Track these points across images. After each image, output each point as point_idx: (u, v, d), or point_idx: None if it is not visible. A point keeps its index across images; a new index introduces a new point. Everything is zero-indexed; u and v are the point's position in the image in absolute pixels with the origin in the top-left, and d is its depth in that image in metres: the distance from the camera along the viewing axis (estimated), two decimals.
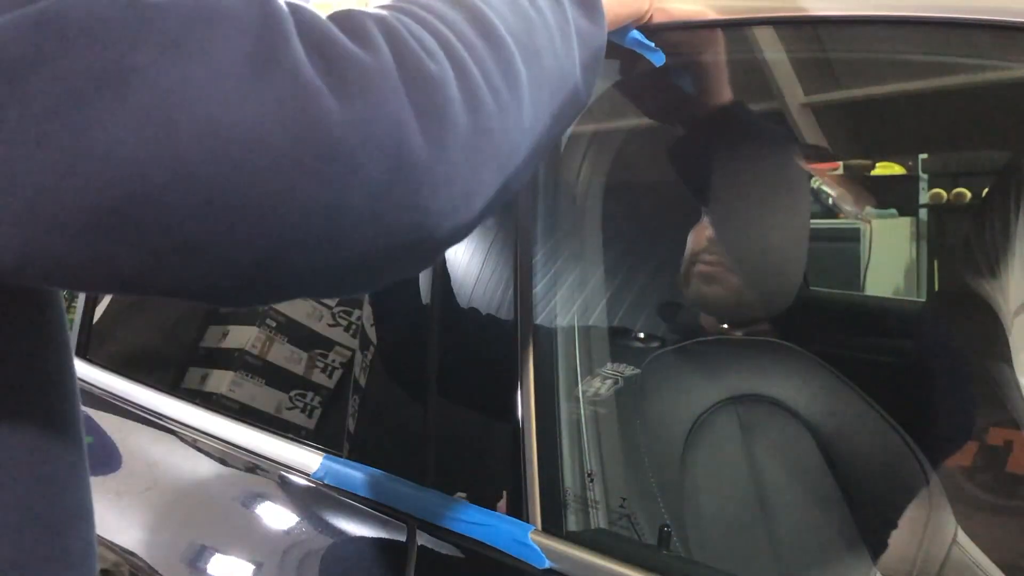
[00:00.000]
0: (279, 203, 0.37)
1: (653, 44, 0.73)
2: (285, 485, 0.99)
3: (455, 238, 0.46)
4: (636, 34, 0.73)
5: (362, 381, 0.98)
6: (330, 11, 0.65)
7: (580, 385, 0.90)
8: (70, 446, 0.48)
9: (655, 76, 0.81)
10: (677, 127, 0.96)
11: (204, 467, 1.10)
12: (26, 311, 0.46)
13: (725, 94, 0.83)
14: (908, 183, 2.29)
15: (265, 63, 0.37)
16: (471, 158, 0.44)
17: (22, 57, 0.33)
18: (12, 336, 0.45)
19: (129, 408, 1.22)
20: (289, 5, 0.40)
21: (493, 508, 0.79)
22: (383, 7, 0.46)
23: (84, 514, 0.49)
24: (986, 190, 0.96)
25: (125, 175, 0.34)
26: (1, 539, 0.44)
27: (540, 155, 0.53)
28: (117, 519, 1.04)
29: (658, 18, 0.73)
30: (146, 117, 0.34)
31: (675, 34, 0.76)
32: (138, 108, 0.34)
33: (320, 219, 0.38)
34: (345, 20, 0.41)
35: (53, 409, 0.47)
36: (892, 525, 0.84)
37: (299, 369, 1.29)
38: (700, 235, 1.03)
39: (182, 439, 1.13)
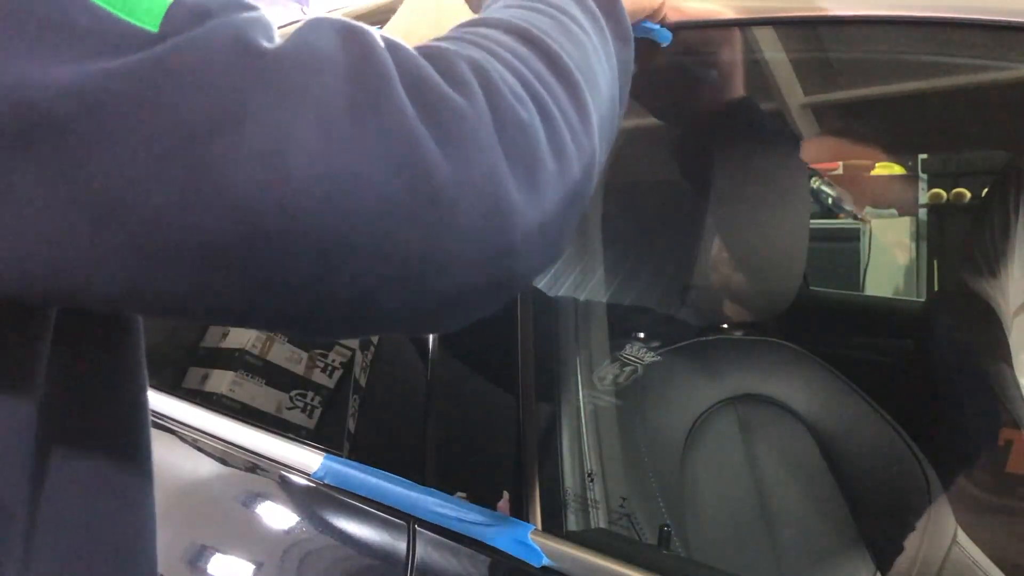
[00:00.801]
0: (383, 246, 0.38)
1: (659, 25, 0.73)
2: (285, 485, 0.99)
3: (537, 276, 0.47)
4: (644, 23, 0.72)
5: (362, 381, 0.98)
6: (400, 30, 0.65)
7: (580, 385, 0.90)
8: (143, 468, 0.50)
9: (665, 74, 0.81)
10: (683, 125, 0.96)
11: (204, 467, 1.10)
12: (110, 334, 0.47)
13: (737, 92, 0.83)
14: (908, 183, 2.29)
15: (370, 109, 0.37)
16: (559, 201, 0.44)
17: (142, 99, 0.34)
18: (96, 360, 0.46)
19: None
20: (387, 44, 0.40)
21: (493, 508, 0.79)
22: (455, 38, 0.46)
23: (149, 535, 0.51)
24: (986, 190, 0.96)
25: (238, 216, 0.35)
26: (74, 559, 0.45)
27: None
28: None
29: (672, 17, 0.73)
30: (259, 161, 0.35)
31: (689, 33, 0.76)
32: (251, 152, 0.35)
33: (417, 262, 0.39)
34: (440, 60, 0.42)
35: (129, 432, 0.49)
36: (892, 525, 0.84)
37: (299, 369, 1.29)
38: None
39: (182, 439, 1.13)
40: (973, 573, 0.78)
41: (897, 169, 2.28)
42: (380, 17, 0.72)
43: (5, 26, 0.33)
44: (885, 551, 0.84)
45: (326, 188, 0.36)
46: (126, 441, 0.48)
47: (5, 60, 0.32)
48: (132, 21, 0.35)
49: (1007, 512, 0.84)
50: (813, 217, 1.34)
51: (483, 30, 0.46)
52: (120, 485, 0.48)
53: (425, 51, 0.42)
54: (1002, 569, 0.78)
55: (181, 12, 0.36)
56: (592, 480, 0.84)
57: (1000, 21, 0.60)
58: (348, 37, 0.39)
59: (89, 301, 0.37)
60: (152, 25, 0.35)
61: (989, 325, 0.81)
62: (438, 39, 0.46)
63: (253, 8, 0.39)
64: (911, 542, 0.82)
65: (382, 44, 0.40)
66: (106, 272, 0.35)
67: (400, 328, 0.45)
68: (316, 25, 0.39)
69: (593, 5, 0.54)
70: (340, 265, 0.38)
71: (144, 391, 0.51)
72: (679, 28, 0.74)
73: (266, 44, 0.37)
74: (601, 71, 0.51)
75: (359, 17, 1.05)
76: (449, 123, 0.39)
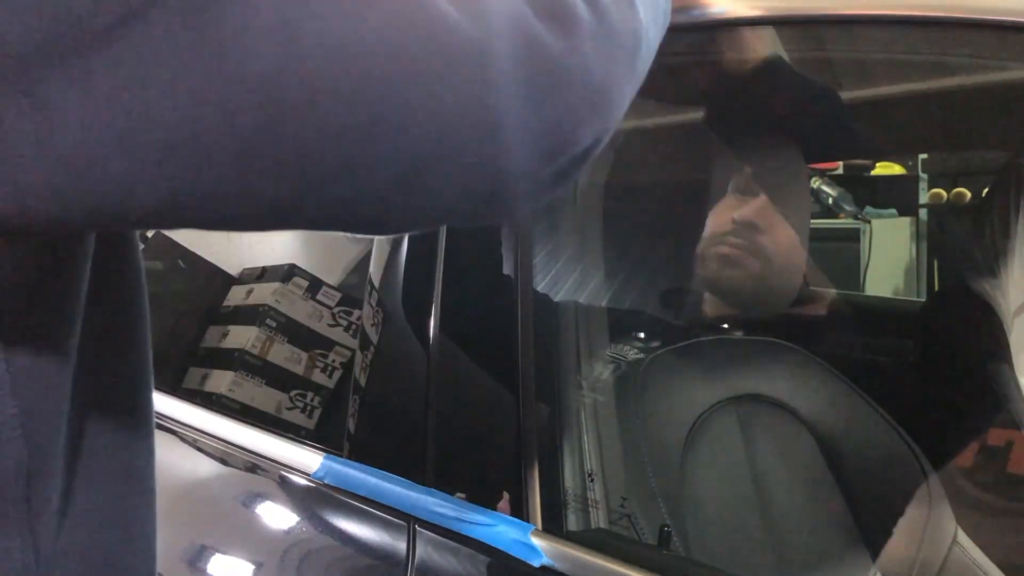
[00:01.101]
0: (417, 112, 0.36)
1: None
2: (285, 485, 0.99)
3: (599, 144, 0.45)
4: None
5: (362, 381, 0.98)
6: None
7: (581, 385, 0.90)
8: (146, 437, 0.50)
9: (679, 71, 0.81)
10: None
11: (204, 467, 1.10)
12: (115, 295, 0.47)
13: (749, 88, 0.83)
14: (908, 183, 2.29)
15: None
16: (600, 49, 0.42)
17: None
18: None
19: None
20: None
21: (493, 508, 0.79)
22: None
23: (151, 517, 0.51)
24: (986, 190, 0.96)
25: (259, 98, 0.33)
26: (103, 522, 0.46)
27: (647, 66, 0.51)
28: None
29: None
30: (271, 32, 0.33)
31: (699, 33, 0.76)
32: (262, 24, 0.33)
33: (457, 126, 0.37)
34: None
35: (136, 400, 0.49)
36: (892, 525, 0.84)
37: (299, 369, 1.29)
38: (724, 216, 1.01)
39: (182, 439, 1.13)
40: (973, 573, 0.78)
41: (897, 169, 2.28)
42: None
43: None
44: (885, 551, 0.84)
45: (344, 55, 0.34)
46: (134, 422, 0.49)
47: None
48: None
49: (1007, 512, 0.84)
50: (813, 217, 1.34)
51: None
52: (131, 465, 0.48)
53: None
54: (1002, 569, 0.78)
55: None
56: (592, 480, 0.84)
57: (1000, 21, 0.60)
58: None
59: (132, 217, 0.35)
60: None
61: (989, 325, 0.81)
62: None
63: None
64: (911, 542, 0.82)
65: None
66: (146, 179, 0.33)
67: (454, 213, 0.42)
68: None
69: None
70: (375, 140, 0.36)
71: (149, 375, 0.51)
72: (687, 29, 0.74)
73: None
74: None
75: None
76: None
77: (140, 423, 0.50)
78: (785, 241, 0.98)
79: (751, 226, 0.97)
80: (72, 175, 0.33)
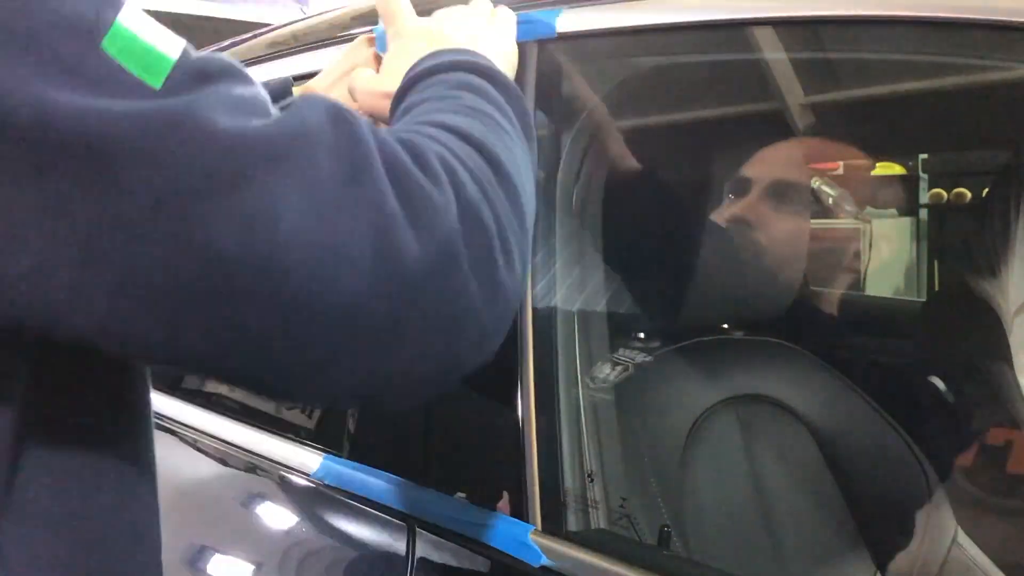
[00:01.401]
0: (348, 312, 0.40)
1: (539, 17, 0.75)
2: (285, 485, 0.99)
3: (478, 365, 0.49)
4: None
5: None
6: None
7: (581, 385, 0.90)
8: (141, 459, 0.51)
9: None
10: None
11: (204, 467, 1.10)
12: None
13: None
14: (908, 183, 2.29)
15: (355, 182, 0.41)
16: (505, 299, 0.47)
17: (144, 145, 0.36)
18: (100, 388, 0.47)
19: None
20: (369, 127, 0.43)
21: (493, 508, 0.79)
22: (413, 131, 0.48)
23: (151, 526, 0.52)
24: (986, 190, 0.96)
25: (215, 270, 0.37)
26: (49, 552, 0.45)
27: None
28: None
29: None
30: (249, 221, 0.37)
31: (686, 34, 0.76)
32: (242, 212, 0.37)
33: (377, 332, 0.41)
34: (412, 148, 0.45)
35: (125, 423, 0.50)
36: (892, 525, 0.84)
37: None
38: (720, 218, 1.02)
39: (182, 439, 1.13)
40: (973, 573, 0.78)
41: (897, 169, 2.28)
42: (376, 19, 0.73)
43: (27, 50, 0.35)
44: (885, 551, 0.84)
45: (306, 254, 0.39)
46: (122, 433, 0.49)
47: (27, 77, 0.34)
48: (138, 75, 0.37)
49: (1007, 512, 0.84)
50: (813, 217, 1.34)
51: (434, 131, 0.49)
52: (113, 477, 0.48)
53: (399, 138, 0.45)
54: (1002, 569, 0.78)
55: (182, 73, 0.38)
56: (592, 480, 0.84)
57: (1000, 21, 0.60)
58: (337, 117, 0.42)
59: (61, 334, 0.38)
60: (155, 82, 0.37)
61: (989, 325, 0.81)
62: (399, 127, 0.50)
63: (250, 83, 0.42)
64: (911, 542, 0.82)
65: (366, 126, 0.43)
66: (85, 306, 0.37)
67: (358, 395, 0.47)
68: (311, 103, 0.43)
69: (505, 104, 0.56)
70: (309, 324, 0.40)
71: (146, 387, 0.51)
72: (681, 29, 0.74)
73: (259, 121, 0.40)
74: (526, 171, 0.54)
75: (359, 17, 1.05)
76: (420, 207, 0.42)
77: (139, 418, 0.50)
78: (781, 237, 0.98)
79: (744, 223, 0.98)
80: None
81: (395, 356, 0.43)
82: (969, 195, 2.03)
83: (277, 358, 0.41)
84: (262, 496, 1.02)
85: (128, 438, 0.49)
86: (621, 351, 0.98)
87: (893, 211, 2.26)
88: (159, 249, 0.36)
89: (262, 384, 0.44)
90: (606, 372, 0.94)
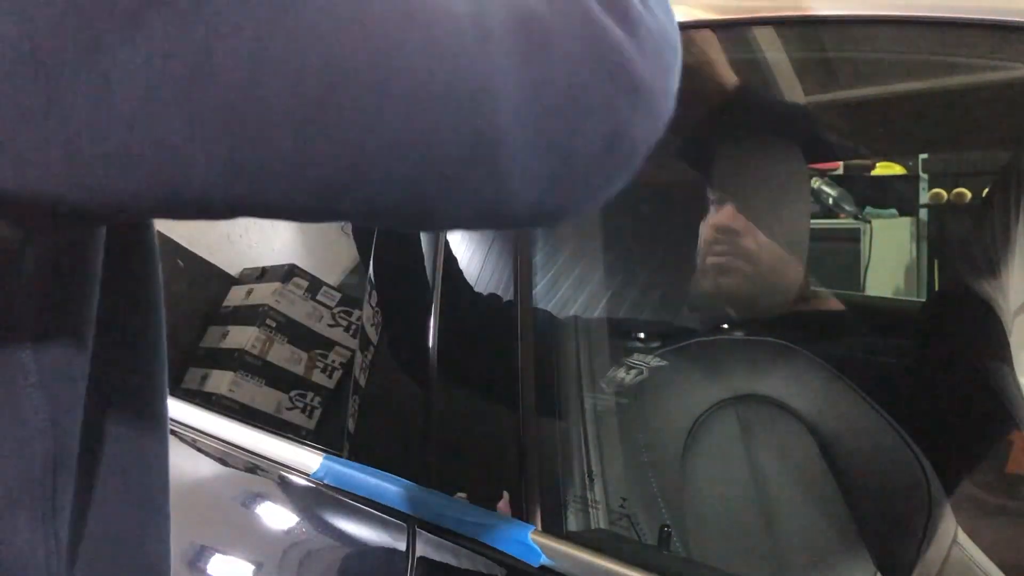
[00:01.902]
0: (484, 87, 0.35)
1: None
2: (285, 485, 0.99)
3: (649, 146, 0.45)
4: None
5: (362, 381, 0.98)
6: None
7: (580, 385, 0.90)
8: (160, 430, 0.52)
9: None
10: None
11: (204, 467, 1.10)
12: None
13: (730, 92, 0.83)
14: (908, 183, 2.29)
15: None
16: (655, 48, 0.41)
17: None
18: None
19: None
20: None
21: (493, 508, 0.79)
22: None
23: (164, 498, 0.55)
24: (986, 190, 0.96)
25: (323, 58, 0.32)
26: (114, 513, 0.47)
27: None
28: None
29: None
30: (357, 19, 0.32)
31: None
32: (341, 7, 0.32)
33: (525, 102, 0.36)
34: None
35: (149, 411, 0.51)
36: (892, 525, 0.84)
37: (299, 369, 1.29)
38: (709, 228, 1.02)
39: (182, 439, 1.13)
40: (973, 573, 0.78)
41: (897, 169, 2.28)
42: None
43: None
44: (885, 551, 0.84)
45: (412, 23, 0.33)
46: (148, 412, 0.50)
47: None
48: None
49: (1007, 512, 0.84)
50: (813, 217, 1.34)
51: None
52: (144, 455, 0.51)
53: None
54: (1002, 569, 0.78)
55: None
56: (592, 480, 0.84)
57: (1000, 21, 0.60)
58: None
59: (186, 194, 0.33)
60: None
61: (989, 325, 0.81)
62: None
63: None
64: (911, 542, 0.82)
65: None
66: (204, 145, 0.32)
67: (508, 208, 0.39)
68: None
69: None
70: (441, 117, 0.34)
71: (163, 368, 0.52)
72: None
73: None
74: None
75: None
76: None
77: (154, 413, 0.51)
78: (771, 241, 0.98)
79: (729, 231, 0.98)
80: (129, 139, 0.31)
81: (548, 122, 0.37)
82: (969, 195, 2.03)
83: (420, 158, 0.35)
84: (262, 496, 1.02)
85: (150, 432, 0.51)
86: (622, 352, 0.98)
87: (893, 211, 2.27)
88: (268, 58, 0.31)
89: (406, 203, 0.37)
90: (607, 372, 0.94)
